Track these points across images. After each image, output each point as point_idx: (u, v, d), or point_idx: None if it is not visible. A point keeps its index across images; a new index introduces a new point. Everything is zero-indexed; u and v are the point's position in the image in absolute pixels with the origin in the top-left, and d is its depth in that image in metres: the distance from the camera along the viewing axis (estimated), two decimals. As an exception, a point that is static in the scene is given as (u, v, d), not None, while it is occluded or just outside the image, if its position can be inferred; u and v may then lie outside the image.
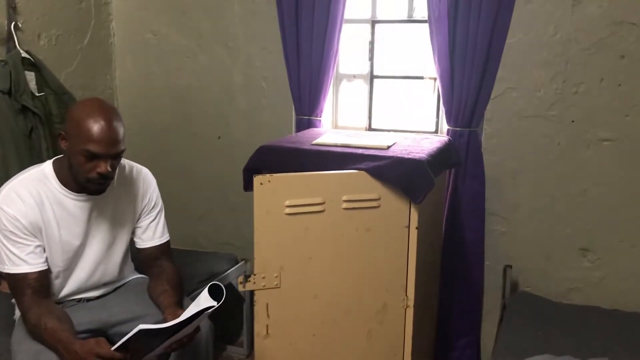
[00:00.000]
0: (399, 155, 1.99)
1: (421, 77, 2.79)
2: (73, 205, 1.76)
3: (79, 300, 1.89)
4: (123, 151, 1.70)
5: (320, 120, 2.76)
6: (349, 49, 2.89)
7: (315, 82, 2.69)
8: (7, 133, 2.35)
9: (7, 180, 1.76)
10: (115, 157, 1.68)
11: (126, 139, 1.70)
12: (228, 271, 2.78)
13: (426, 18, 2.51)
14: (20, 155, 2.37)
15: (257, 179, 1.93)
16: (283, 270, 2.00)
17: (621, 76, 2.38)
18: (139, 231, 1.96)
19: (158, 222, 1.97)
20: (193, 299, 1.67)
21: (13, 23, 2.51)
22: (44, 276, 1.73)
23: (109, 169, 1.66)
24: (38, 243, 1.71)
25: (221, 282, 1.63)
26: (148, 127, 3.18)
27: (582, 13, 2.38)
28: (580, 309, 2.41)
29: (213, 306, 1.53)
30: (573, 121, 2.47)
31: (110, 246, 1.89)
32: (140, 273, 2.05)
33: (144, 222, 1.95)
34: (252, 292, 2.02)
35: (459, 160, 2.47)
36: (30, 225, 1.69)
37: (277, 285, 2.00)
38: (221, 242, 3.18)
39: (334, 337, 2.08)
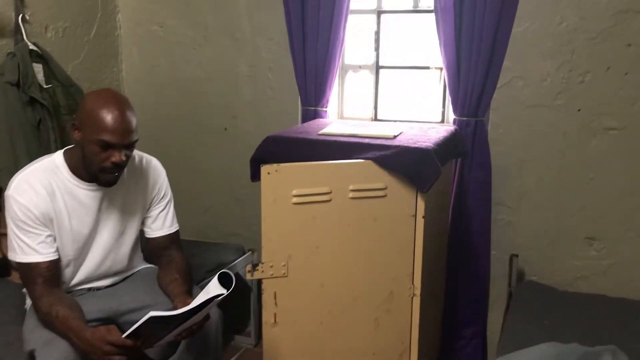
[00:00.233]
0: (406, 145, 2.00)
1: (427, 67, 2.79)
2: (84, 195, 1.78)
3: (89, 289, 1.91)
4: (136, 141, 1.72)
5: (326, 111, 2.76)
6: (355, 39, 2.89)
7: (321, 72, 2.69)
8: (15, 124, 2.37)
9: (16, 171, 1.78)
10: (129, 147, 1.70)
11: (139, 129, 1.72)
12: (235, 261, 2.79)
13: (432, 8, 2.51)
14: (28, 147, 2.39)
15: (265, 169, 1.94)
16: (290, 259, 2.01)
17: (627, 65, 2.37)
18: (148, 221, 1.98)
19: (167, 212, 1.99)
20: (202, 288, 1.68)
21: (21, 15, 2.52)
22: (55, 265, 1.74)
23: (123, 158, 1.68)
24: (49, 233, 1.73)
25: (229, 272, 1.65)
26: (154, 119, 3.18)
27: (588, 2, 2.37)
28: (586, 297, 2.42)
29: (222, 294, 1.55)
30: (579, 110, 2.47)
31: (120, 236, 1.91)
32: (150, 263, 2.07)
33: (153, 212, 1.97)
34: (259, 282, 2.04)
35: (465, 149, 2.47)
36: (41, 215, 1.70)
37: (284, 274, 2.01)
38: (228, 233, 3.19)
39: (341, 325, 2.10)
